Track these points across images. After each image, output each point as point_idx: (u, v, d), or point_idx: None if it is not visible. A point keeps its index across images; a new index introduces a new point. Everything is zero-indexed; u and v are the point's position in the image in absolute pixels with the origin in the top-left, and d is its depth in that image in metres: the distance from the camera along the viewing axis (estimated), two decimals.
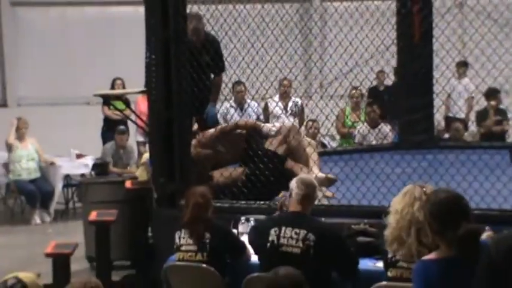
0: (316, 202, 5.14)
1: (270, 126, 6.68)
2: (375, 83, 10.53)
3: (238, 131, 6.68)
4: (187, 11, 6.50)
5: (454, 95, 10.87)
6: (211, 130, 6.68)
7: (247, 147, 6.53)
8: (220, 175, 6.44)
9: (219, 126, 6.76)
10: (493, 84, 9.83)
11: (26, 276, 3.31)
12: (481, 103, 10.83)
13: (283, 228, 4.66)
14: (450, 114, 11.12)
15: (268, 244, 4.68)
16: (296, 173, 6.07)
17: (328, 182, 6.28)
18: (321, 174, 6.28)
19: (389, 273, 4.28)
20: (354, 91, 9.71)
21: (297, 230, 4.63)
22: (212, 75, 7.03)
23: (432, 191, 3.58)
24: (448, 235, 3.18)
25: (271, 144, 6.46)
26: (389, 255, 4.24)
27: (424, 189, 4.08)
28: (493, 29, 8.18)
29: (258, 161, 6.32)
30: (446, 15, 8.20)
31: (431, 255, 3.28)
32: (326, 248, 4.59)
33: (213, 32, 6.83)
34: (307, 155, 6.46)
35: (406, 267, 4.15)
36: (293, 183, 4.83)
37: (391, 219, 4.12)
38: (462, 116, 11.06)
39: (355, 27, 7.94)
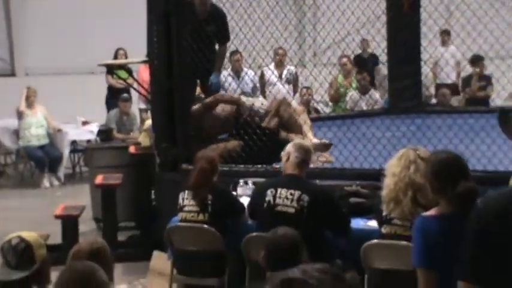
0: (311, 165, 5.14)
1: (258, 105, 6.62)
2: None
3: (222, 105, 6.66)
4: None
5: (442, 62, 10.84)
6: (196, 106, 6.63)
7: (236, 120, 6.52)
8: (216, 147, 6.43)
9: (202, 102, 6.70)
10: (478, 52, 9.81)
11: (29, 235, 3.31)
12: (468, 70, 10.81)
13: (279, 190, 4.67)
14: (438, 81, 11.11)
15: (265, 204, 4.69)
16: (291, 141, 6.08)
17: (324, 147, 6.29)
18: (316, 140, 6.28)
19: (383, 230, 4.30)
20: (344, 59, 9.68)
21: (292, 191, 4.64)
22: (217, 45, 6.99)
23: (432, 152, 3.61)
24: (448, 193, 3.23)
25: (264, 120, 6.44)
26: (384, 213, 4.26)
27: (418, 152, 4.10)
28: None
29: (251, 135, 6.32)
30: None
31: (431, 212, 3.32)
32: (319, 208, 4.61)
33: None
34: (300, 124, 6.44)
35: (400, 224, 4.18)
36: (290, 148, 4.83)
37: (389, 182, 4.14)
38: (449, 81, 11.04)
39: None
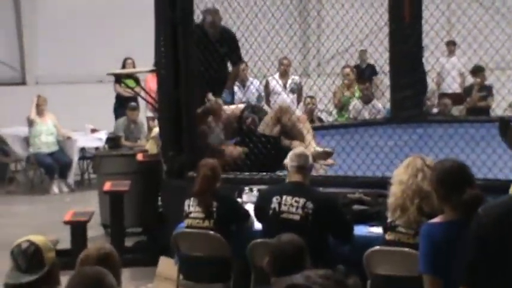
0: (315, 173, 5.14)
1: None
2: (371, 62, 10.52)
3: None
4: None
5: (445, 73, 10.87)
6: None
7: (240, 126, 6.53)
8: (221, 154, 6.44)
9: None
10: (479, 63, 9.81)
11: (38, 238, 3.31)
12: (470, 80, 10.82)
13: (284, 197, 4.67)
14: (440, 91, 11.14)
15: (271, 211, 4.69)
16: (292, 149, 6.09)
17: (326, 155, 6.29)
18: (318, 148, 6.28)
19: (387, 236, 4.29)
20: (347, 69, 9.69)
21: (297, 199, 4.64)
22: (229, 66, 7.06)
23: (438, 161, 3.60)
24: (453, 200, 3.23)
25: (266, 128, 6.45)
26: (389, 220, 4.26)
27: (424, 160, 4.10)
28: (479, 11, 8.14)
29: (255, 142, 6.33)
30: None
31: (437, 219, 3.33)
32: (323, 215, 4.60)
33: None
34: (302, 132, 6.44)
35: (404, 232, 4.16)
36: (288, 158, 4.85)
37: (395, 189, 4.13)
38: (450, 91, 11.05)
39: (351, 10, 7.90)
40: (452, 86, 10.98)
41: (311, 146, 6.28)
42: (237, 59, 6.99)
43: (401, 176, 4.12)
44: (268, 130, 6.45)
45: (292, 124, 6.47)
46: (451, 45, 11.23)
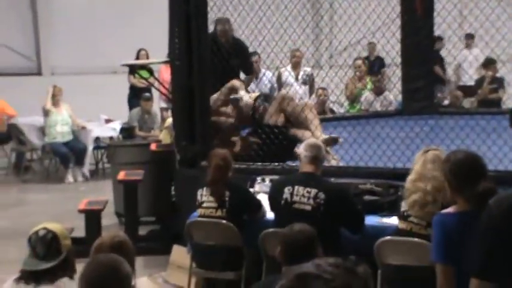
0: (326, 164, 5.13)
1: (246, 99, 6.60)
2: (383, 54, 10.48)
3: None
4: None
5: (463, 65, 10.87)
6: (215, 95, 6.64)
7: (253, 115, 6.54)
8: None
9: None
10: (491, 55, 9.76)
11: (54, 226, 3.34)
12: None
13: (296, 187, 4.67)
14: (461, 83, 11.14)
15: (283, 201, 4.69)
16: (299, 138, 6.09)
17: (332, 141, 6.27)
18: (324, 136, 6.28)
19: (399, 225, 4.29)
20: (359, 61, 9.66)
21: (309, 189, 4.63)
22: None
23: (451, 152, 3.55)
24: (466, 192, 3.22)
25: (270, 118, 6.44)
26: (402, 209, 4.25)
27: (439, 152, 4.08)
28: (491, 3, 8.08)
29: (267, 133, 6.33)
30: None
31: (450, 209, 3.32)
32: (335, 205, 4.60)
33: (230, 9, 6.83)
34: (308, 120, 6.44)
35: (415, 222, 4.16)
36: (301, 148, 4.85)
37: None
38: (460, 84, 11.04)
39: (363, 2, 7.87)
40: (467, 78, 10.94)
41: (317, 131, 6.28)
42: (249, 71, 7.05)
43: (432, 172, 4.04)
44: (273, 120, 6.45)
45: (295, 111, 6.47)
46: (469, 38, 11.19)
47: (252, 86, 9.01)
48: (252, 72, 7.18)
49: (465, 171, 3.26)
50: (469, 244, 2.98)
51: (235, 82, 6.59)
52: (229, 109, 6.60)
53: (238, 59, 6.87)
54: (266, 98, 6.74)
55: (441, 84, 11.26)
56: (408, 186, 4.18)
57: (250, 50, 7.53)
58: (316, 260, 1.73)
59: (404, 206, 4.24)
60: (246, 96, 6.52)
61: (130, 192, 6.83)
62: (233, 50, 6.89)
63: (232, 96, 6.49)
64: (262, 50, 7.06)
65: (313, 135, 6.14)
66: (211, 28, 6.66)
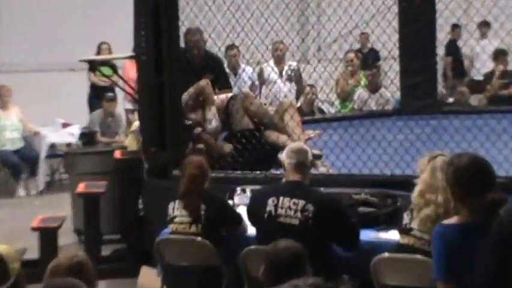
0: (314, 171, 5.15)
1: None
2: (378, 45, 10.54)
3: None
4: None
5: (474, 57, 10.95)
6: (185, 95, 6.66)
7: (227, 117, 6.57)
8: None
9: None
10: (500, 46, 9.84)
11: (1, 248, 3.32)
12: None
13: (281, 198, 4.68)
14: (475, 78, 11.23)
15: (266, 215, 4.69)
16: (275, 142, 6.15)
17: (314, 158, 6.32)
18: (304, 136, 6.31)
19: (400, 240, 4.31)
20: (351, 54, 9.70)
21: (296, 201, 4.65)
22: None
23: (455, 155, 3.54)
24: (472, 202, 3.20)
25: (238, 123, 6.48)
26: (404, 222, 4.27)
27: (445, 157, 4.08)
28: None
29: (238, 138, 6.36)
30: None
31: (452, 220, 3.31)
32: (325, 219, 4.61)
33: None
34: (283, 121, 6.47)
35: (419, 236, 4.17)
36: (283, 154, 4.86)
37: (421, 191, 4.11)
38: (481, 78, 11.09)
39: None
40: (482, 71, 10.97)
41: (295, 134, 6.32)
42: (225, 86, 7.07)
43: (442, 181, 3.99)
44: (240, 125, 6.49)
45: (259, 111, 6.51)
46: (484, 26, 11.18)
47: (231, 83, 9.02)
48: (230, 86, 7.22)
49: (470, 178, 3.25)
50: (473, 258, 3.00)
51: (202, 83, 6.60)
52: (198, 115, 6.62)
53: (212, 74, 6.88)
54: None
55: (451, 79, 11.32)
56: (417, 200, 4.17)
57: (228, 42, 7.55)
58: (294, 280, 1.75)
59: (406, 219, 4.25)
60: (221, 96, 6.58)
61: (91, 206, 6.82)
62: (206, 63, 6.91)
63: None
64: (240, 42, 7.07)
65: (290, 139, 6.17)
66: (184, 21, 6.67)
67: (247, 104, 6.56)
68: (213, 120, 6.58)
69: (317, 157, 6.27)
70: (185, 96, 6.58)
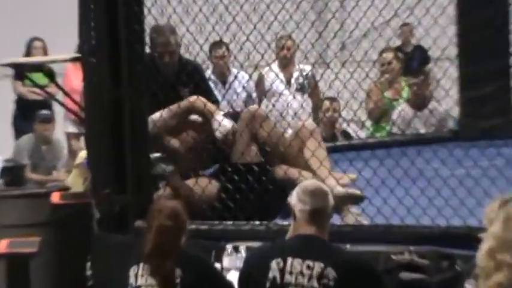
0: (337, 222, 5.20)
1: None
2: (427, 42, 10.63)
3: (194, 117, 6.75)
4: None
5: None
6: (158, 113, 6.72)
7: (214, 146, 6.63)
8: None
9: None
10: None
11: None
12: None
13: (290, 260, 4.70)
14: None
15: (269, 283, 4.73)
16: (294, 180, 6.18)
17: (352, 199, 6.34)
18: (332, 181, 6.33)
19: None
20: (388, 54, 9.77)
21: (310, 263, 4.67)
22: None
23: None
24: None
25: (239, 153, 6.54)
26: None
27: None
28: None
29: (229, 174, 6.44)
30: None
31: None
32: None
33: None
34: (301, 155, 6.52)
35: None
36: (293, 197, 4.86)
37: (489, 249, 4.15)
38: None
39: None
40: None
41: (323, 172, 6.36)
42: (212, 96, 7.11)
43: (494, 227, 4.06)
44: (245, 157, 6.53)
45: (274, 136, 6.57)
46: None
47: (217, 94, 9.08)
48: (215, 99, 7.23)
49: None
50: None
51: (196, 102, 6.65)
52: (184, 142, 6.67)
53: (189, 87, 6.90)
54: (235, 118, 6.81)
55: None
56: (485, 262, 4.22)
57: (215, 37, 7.61)
58: None
59: None
60: (225, 120, 6.63)
61: (17, 272, 6.85)
62: (183, 75, 6.92)
63: None
64: (232, 39, 7.13)
65: (316, 178, 6.21)
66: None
67: (256, 126, 6.59)
68: (223, 120, 6.62)
69: (356, 200, 6.31)
70: (160, 114, 6.64)
